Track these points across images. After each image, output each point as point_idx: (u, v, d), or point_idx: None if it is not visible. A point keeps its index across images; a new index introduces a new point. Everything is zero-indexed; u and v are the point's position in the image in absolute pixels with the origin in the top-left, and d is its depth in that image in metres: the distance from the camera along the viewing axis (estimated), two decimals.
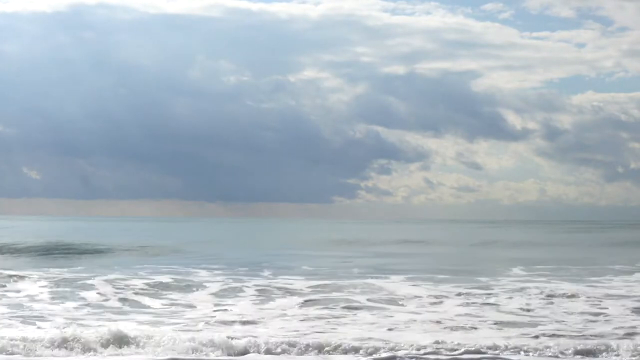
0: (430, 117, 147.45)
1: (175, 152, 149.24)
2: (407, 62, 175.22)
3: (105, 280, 25.73)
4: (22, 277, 26.46)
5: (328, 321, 17.95)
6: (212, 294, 23.24)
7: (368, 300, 21.71)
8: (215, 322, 17.62)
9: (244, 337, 14.86)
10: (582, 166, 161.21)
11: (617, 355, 14.07)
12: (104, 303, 21.18)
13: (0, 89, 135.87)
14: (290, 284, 25.31)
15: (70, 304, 20.66)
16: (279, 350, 14.22)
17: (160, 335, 14.66)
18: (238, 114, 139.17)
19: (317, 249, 51.01)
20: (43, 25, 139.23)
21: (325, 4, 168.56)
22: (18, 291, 23.19)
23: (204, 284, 25.43)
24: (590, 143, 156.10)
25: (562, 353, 14.18)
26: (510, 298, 22.29)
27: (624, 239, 70.25)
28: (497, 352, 14.18)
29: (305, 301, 21.47)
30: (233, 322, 17.66)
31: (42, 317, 18.34)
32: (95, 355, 13.92)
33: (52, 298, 21.84)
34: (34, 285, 24.51)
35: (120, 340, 14.37)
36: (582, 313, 19.43)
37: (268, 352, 14.14)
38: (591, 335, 16.06)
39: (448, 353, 14.12)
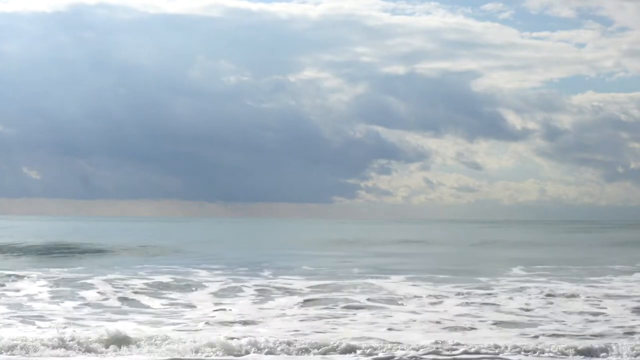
0: (430, 117, 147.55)
1: (175, 152, 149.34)
2: (407, 62, 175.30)
3: (105, 280, 25.74)
4: (21, 277, 26.47)
5: (328, 321, 17.94)
6: (212, 294, 23.24)
7: (368, 300, 21.70)
8: (215, 322, 17.61)
9: (244, 337, 14.86)
10: (582, 166, 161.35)
11: (617, 355, 14.06)
12: (104, 303, 21.18)
13: (0, 89, 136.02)
14: (290, 284, 25.31)
15: (70, 304, 20.66)
16: (278, 350, 14.21)
17: (160, 335, 14.66)
18: (238, 114, 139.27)
19: (317, 249, 51.00)
20: (43, 25, 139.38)
21: (325, 4, 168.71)
22: (18, 291, 23.21)
23: (204, 284, 25.44)
24: (590, 143, 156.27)
25: (562, 353, 14.18)
26: (510, 298, 22.28)
27: (624, 239, 70.24)
28: (496, 352, 14.17)
29: (305, 301, 21.47)
30: (233, 322, 17.65)
31: (41, 316, 18.33)
32: (95, 355, 13.92)
33: (52, 298, 21.84)
34: (33, 285, 24.51)
35: (120, 340, 14.37)
36: (582, 313, 19.42)
37: (268, 352, 14.13)
38: (591, 335, 16.05)
39: (447, 353, 14.12)
